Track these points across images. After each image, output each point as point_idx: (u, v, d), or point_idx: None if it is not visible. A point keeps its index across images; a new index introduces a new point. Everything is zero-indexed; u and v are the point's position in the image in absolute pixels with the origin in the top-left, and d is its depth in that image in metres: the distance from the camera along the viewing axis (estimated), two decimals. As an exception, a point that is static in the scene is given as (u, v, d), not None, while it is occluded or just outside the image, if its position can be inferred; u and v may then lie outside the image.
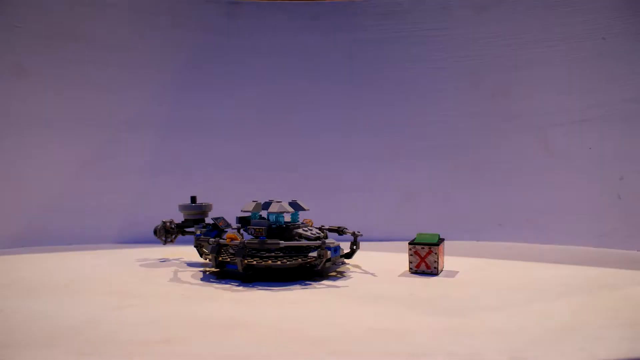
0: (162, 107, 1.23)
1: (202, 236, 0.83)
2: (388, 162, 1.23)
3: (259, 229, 0.81)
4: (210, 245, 0.78)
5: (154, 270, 0.87)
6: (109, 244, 1.19)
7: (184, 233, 0.97)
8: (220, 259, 0.79)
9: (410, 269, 0.83)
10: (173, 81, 1.23)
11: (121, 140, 1.22)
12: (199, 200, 0.98)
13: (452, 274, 0.82)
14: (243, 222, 0.87)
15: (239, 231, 0.89)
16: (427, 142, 1.22)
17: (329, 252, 0.76)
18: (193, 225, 0.93)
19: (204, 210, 0.94)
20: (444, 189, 1.20)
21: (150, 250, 1.10)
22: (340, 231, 0.90)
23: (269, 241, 0.75)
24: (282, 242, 0.75)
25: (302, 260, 0.77)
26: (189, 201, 0.96)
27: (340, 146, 1.24)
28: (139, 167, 1.22)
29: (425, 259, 0.81)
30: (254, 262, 0.75)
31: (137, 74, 1.20)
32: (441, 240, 0.84)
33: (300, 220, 0.89)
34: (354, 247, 0.87)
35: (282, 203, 0.84)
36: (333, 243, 0.78)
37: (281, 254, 0.79)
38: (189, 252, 1.01)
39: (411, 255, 0.82)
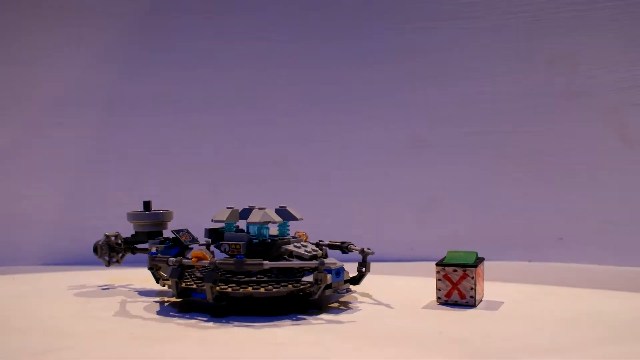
0: (104, 80, 1.24)
1: (158, 255, 0.84)
2: (409, 156, 1.25)
3: (236, 244, 0.82)
4: (170, 267, 0.79)
5: (93, 302, 0.88)
6: (32, 266, 1.20)
7: (134, 251, 0.98)
8: (183, 285, 0.79)
9: (438, 298, 0.84)
10: (120, 44, 1.24)
11: (47, 125, 1.24)
12: (154, 207, 0.99)
13: (495, 305, 0.82)
14: (214, 235, 0.88)
15: (208, 248, 0.90)
16: (461, 128, 1.23)
17: (329, 276, 0.77)
18: (147, 240, 0.95)
19: (161, 220, 0.95)
20: (483, 191, 1.22)
21: (88, 275, 1.10)
22: (344, 248, 0.91)
23: (249, 261, 0.75)
24: (267, 262, 0.76)
25: (294, 286, 0.77)
26: (141, 208, 0.98)
27: (346, 134, 1.25)
28: (72, 162, 1.25)
29: (458, 285, 0.82)
30: (229, 290, 0.76)
31: (69, 34, 1.21)
32: (480, 260, 0.85)
33: (292, 233, 0.90)
34: (363, 269, 0.87)
35: (266, 210, 0.84)
36: (335, 264, 0.79)
37: (265, 279, 0.80)
38: (141, 276, 1.02)
39: (440, 280, 0.82)
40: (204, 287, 0.75)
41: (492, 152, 1.20)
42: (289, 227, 0.88)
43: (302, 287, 0.77)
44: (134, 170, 1.25)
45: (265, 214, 0.83)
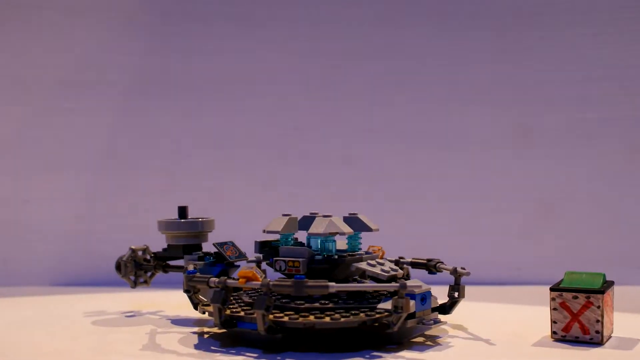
0: (124, 56, 1.28)
1: (197, 274, 0.84)
2: (512, 149, 1.25)
3: (294, 262, 0.83)
4: (212, 290, 0.80)
5: (115, 332, 0.89)
6: (38, 287, 1.22)
7: (166, 269, 1.00)
8: (228, 312, 0.80)
9: (554, 333, 0.83)
10: (145, 17, 1.27)
11: (58, 111, 1.27)
12: (192, 214, 1.00)
13: (629, 343, 0.81)
14: (267, 250, 0.89)
15: (259, 266, 0.91)
16: (582, 114, 1.24)
17: (411, 303, 0.77)
18: (182, 255, 0.96)
19: (200, 230, 0.96)
20: (613, 194, 1.22)
21: (108, 298, 1.12)
22: (431, 267, 0.92)
23: (311, 282, 0.76)
24: (333, 284, 0.76)
25: (367, 315, 0.77)
26: (175, 215, 0.98)
27: (428, 124, 1.26)
28: (86, 157, 1.28)
29: (579, 316, 0.81)
30: (285, 319, 0.77)
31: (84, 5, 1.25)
32: (608, 284, 0.84)
33: (364, 248, 0.91)
34: (456, 294, 0.88)
35: (332, 219, 0.85)
36: (420, 287, 0.79)
37: (331, 305, 0.80)
38: (175, 301, 1.03)
39: (555, 310, 0.82)
40: (254, 315, 0.76)
41: (621, 145, 1.20)
42: (360, 240, 0.89)
43: (377, 316, 0.77)
44: (166, 167, 1.28)
45: (331, 224, 0.83)
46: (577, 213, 1.23)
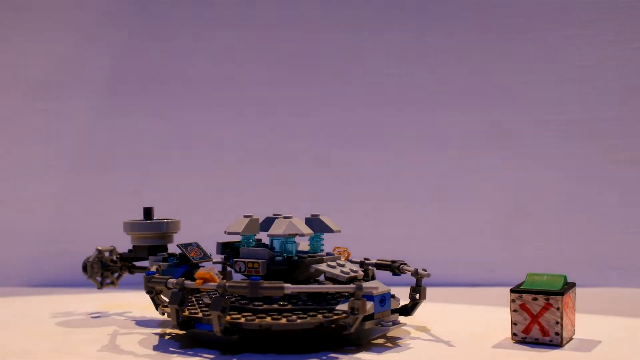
0: (99, 54, 1.29)
1: (157, 274, 0.85)
2: (484, 149, 1.25)
3: (253, 263, 0.83)
4: (171, 291, 0.80)
5: (78, 333, 0.89)
6: (14, 287, 1.22)
7: (132, 270, 1.00)
8: (186, 313, 0.80)
9: (514, 335, 0.83)
10: (121, 17, 1.29)
11: (33, 112, 1.28)
12: (164, 214, 1.00)
13: (590, 345, 0.81)
14: (229, 251, 0.89)
15: (224, 267, 0.91)
16: (555, 115, 1.23)
17: (369, 304, 0.77)
18: (148, 256, 0.96)
19: (165, 231, 0.97)
20: (587, 195, 1.21)
21: (77, 299, 1.12)
22: (395, 269, 0.92)
23: (266, 284, 0.76)
24: (289, 285, 0.76)
25: (324, 316, 0.77)
26: (140, 216, 0.99)
27: (396, 120, 1.26)
28: (62, 158, 1.28)
29: (539, 318, 0.81)
30: (241, 320, 0.77)
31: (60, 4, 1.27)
32: (569, 286, 0.84)
33: (330, 249, 0.91)
34: (417, 296, 0.87)
35: (292, 220, 0.85)
36: (377, 288, 0.79)
37: (289, 307, 0.79)
38: (143, 302, 1.02)
39: (515, 311, 0.82)
40: (211, 317, 0.76)
41: (594, 146, 1.20)
42: (322, 242, 0.89)
43: (334, 317, 0.77)
44: (139, 168, 1.29)
45: (290, 225, 0.83)
46: (552, 214, 1.23)
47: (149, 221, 0.96)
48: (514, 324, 0.82)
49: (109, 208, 1.27)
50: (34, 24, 1.31)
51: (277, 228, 0.84)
